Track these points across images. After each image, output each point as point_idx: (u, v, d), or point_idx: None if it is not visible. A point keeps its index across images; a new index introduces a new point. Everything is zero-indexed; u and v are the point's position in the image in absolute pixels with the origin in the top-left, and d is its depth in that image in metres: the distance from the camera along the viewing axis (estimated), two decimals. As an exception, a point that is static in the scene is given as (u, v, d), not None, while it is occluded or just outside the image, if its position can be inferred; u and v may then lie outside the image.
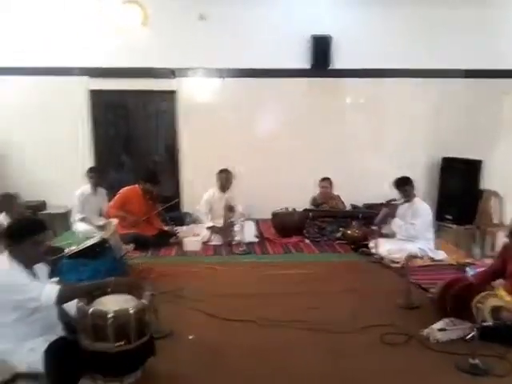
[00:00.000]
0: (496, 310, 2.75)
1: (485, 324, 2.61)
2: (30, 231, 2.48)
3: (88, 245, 4.54)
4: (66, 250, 4.25)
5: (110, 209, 5.47)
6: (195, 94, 6.83)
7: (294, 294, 3.79)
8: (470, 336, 2.55)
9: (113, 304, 2.52)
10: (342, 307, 3.52)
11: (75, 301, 2.54)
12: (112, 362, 2.45)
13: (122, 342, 2.44)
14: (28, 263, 2.50)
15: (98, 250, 4.55)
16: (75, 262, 4.14)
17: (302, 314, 3.32)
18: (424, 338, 2.94)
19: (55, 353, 2.35)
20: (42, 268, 2.66)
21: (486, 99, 6.73)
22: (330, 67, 6.57)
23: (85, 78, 6.72)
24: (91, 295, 2.59)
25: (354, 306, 3.52)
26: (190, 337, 3.10)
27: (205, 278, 4.24)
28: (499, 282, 3.21)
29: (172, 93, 6.88)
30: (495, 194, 6.20)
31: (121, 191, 5.56)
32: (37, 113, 6.61)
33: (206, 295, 3.74)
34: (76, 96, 6.78)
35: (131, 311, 2.46)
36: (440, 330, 2.88)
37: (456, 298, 3.01)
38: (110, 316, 2.40)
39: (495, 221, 6.11)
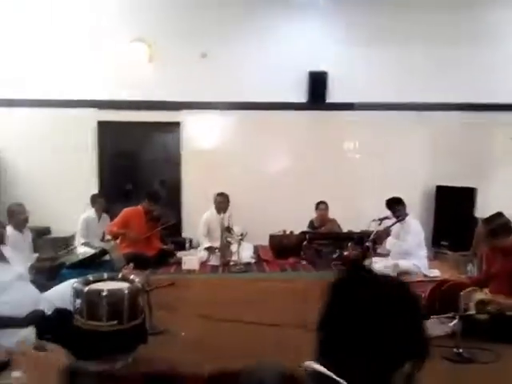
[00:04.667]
0: (482, 303, 2.81)
1: (468, 313, 2.67)
2: None
3: (88, 255, 4.68)
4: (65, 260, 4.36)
5: (112, 227, 5.58)
6: (198, 125, 7.14)
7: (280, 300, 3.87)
8: (452, 323, 2.61)
9: (108, 285, 2.63)
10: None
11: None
12: (103, 341, 2.52)
13: (115, 322, 2.52)
14: None
15: (98, 261, 4.69)
16: (75, 271, 4.25)
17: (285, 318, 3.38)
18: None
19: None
20: None
21: (478, 131, 6.98)
22: (326, 101, 6.90)
23: (94, 110, 7.06)
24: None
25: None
26: (183, 333, 3.17)
27: (199, 290, 4.31)
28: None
29: (176, 124, 7.18)
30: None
31: (123, 210, 5.68)
32: (47, 142, 6.84)
33: (200, 302, 3.82)
34: (85, 127, 7.08)
35: (125, 290, 2.56)
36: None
37: (445, 294, 3.08)
38: (103, 294, 2.50)
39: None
